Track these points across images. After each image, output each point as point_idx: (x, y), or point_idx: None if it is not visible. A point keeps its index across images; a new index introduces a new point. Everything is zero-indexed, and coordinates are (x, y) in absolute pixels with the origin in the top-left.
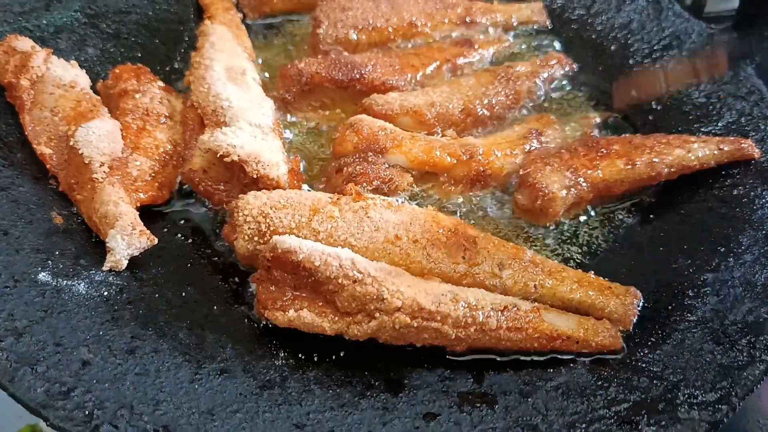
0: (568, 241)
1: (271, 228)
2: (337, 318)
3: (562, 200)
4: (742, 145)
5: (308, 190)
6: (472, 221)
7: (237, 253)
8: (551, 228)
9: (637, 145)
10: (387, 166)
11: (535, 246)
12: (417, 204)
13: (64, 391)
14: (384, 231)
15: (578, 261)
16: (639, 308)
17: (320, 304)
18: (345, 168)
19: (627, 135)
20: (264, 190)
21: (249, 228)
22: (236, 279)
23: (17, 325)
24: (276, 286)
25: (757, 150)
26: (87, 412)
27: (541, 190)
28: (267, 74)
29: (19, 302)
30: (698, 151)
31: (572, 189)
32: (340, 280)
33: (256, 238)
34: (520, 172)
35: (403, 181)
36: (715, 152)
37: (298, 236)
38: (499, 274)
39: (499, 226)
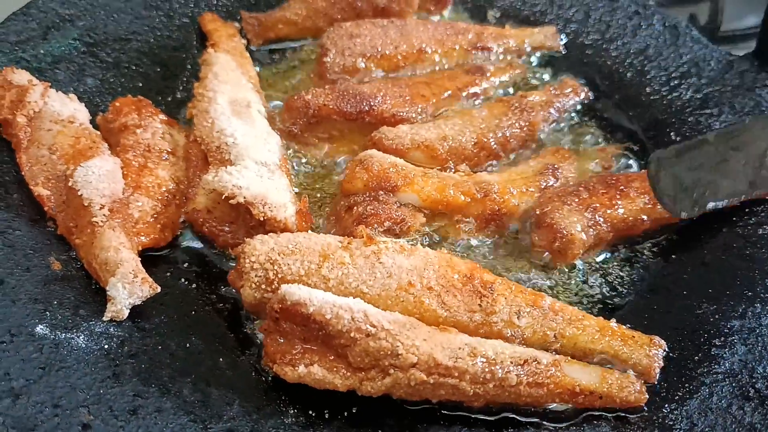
0: (587, 282)
1: (279, 275)
2: (349, 373)
3: (581, 241)
4: None
5: (317, 233)
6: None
7: (243, 301)
8: (569, 270)
9: None
10: (398, 205)
11: (553, 290)
12: (429, 245)
13: None
14: (397, 278)
15: (598, 305)
16: (663, 358)
17: (331, 358)
18: (355, 207)
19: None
20: (271, 234)
21: (256, 275)
22: (243, 327)
23: (14, 385)
24: (285, 338)
25: None
26: None
27: (560, 232)
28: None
29: (15, 359)
30: None
31: (591, 229)
32: (352, 334)
33: (263, 286)
34: (537, 212)
35: (415, 222)
36: None
37: (308, 284)
38: (517, 323)
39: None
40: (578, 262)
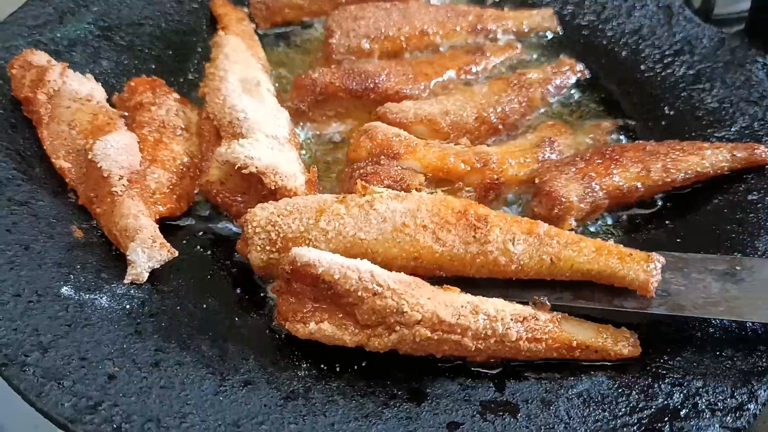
0: None
1: (281, 235)
2: (357, 330)
3: (578, 208)
4: (756, 151)
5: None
6: None
7: (252, 265)
8: None
9: (651, 151)
10: (400, 168)
11: None
12: None
13: (91, 405)
14: (391, 221)
15: None
16: (660, 274)
17: (340, 316)
18: (357, 172)
19: (641, 142)
20: (270, 201)
21: (260, 239)
22: (256, 291)
23: (42, 340)
24: (296, 298)
25: None
26: (115, 426)
27: (558, 199)
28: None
29: (43, 317)
30: (712, 157)
31: (588, 197)
32: (359, 293)
33: (268, 248)
34: (536, 181)
35: (414, 181)
36: (729, 158)
37: (308, 239)
38: (512, 251)
39: None
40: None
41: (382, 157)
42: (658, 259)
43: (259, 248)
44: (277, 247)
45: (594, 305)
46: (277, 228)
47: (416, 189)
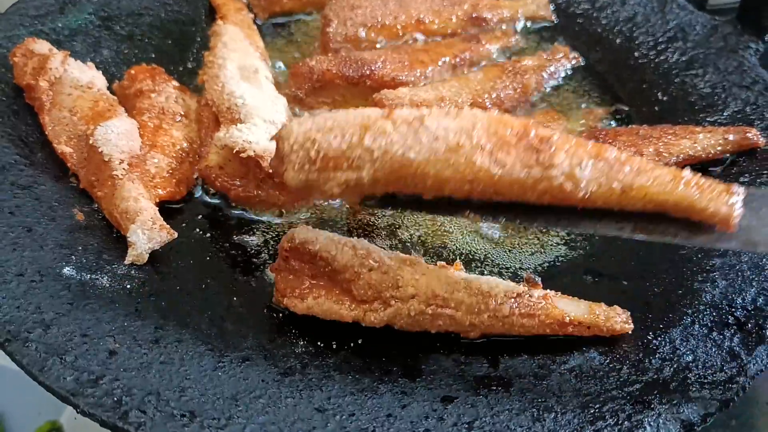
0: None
1: (321, 153)
2: (354, 305)
3: None
4: (747, 134)
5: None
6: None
7: (288, 185)
8: None
9: (643, 135)
10: None
11: (546, 233)
12: None
13: (93, 379)
14: (444, 140)
15: (586, 249)
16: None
17: (337, 292)
18: None
19: (633, 126)
20: (307, 115)
21: (297, 157)
22: (254, 271)
23: (44, 317)
24: (294, 276)
25: (762, 138)
26: (116, 399)
27: None
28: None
29: (45, 296)
30: (704, 141)
31: None
32: (356, 269)
33: (306, 166)
34: None
35: None
36: (721, 142)
37: (351, 157)
38: (579, 176)
39: None
40: None
41: None
42: (737, 192)
43: (296, 167)
44: (317, 166)
45: (665, 238)
46: (316, 145)
47: None
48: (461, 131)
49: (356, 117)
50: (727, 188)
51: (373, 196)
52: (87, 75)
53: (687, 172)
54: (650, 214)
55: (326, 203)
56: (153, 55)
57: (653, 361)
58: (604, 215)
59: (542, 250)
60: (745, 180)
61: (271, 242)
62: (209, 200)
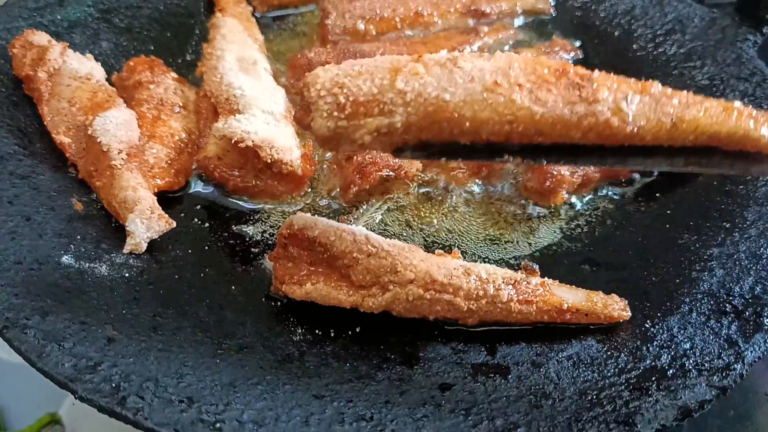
0: (576, 219)
1: (351, 98)
2: (352, 291)
3: (570, 182)
4: None
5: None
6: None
7: (316, 135)
8: (560, 208)
9: None
10: None
11: (544, 225)
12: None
13: (91, 366)
14: (480, 80)
15: (586, 240)
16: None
17: (336, 278)
18: (354, 157)
19: None
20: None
21: (325, 103)
22: (252, 261)
23: (43, 305)
24: (293, 263)
25: None
26: (114, 385)
27: (550, 172)
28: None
29: (44, 284)
30: None
31: (579, 170)
32: (354, 254)
33: (335, 113)
34: None
35: (412, 168)
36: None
37: (383, 102)
38: (626, 110)
39: (503, 207)
40: (575, 201)
41: None
42: None
43: (325, 114)
44: (347, 112)
45: (720, 170)
46: (345, 90)
47: (414, 175)
48: (498, 71)
49: (385, 61)
50: None
51: (405, 145)
52: (86, 66)
53: (738, 103)
54: (700, 148)
55: (321, 200)
56: (152, 47)
57: (651, 348)
58: (653, 151)
59: (539, 241)
60: None
61: (269, 232)
62: (203, 190)
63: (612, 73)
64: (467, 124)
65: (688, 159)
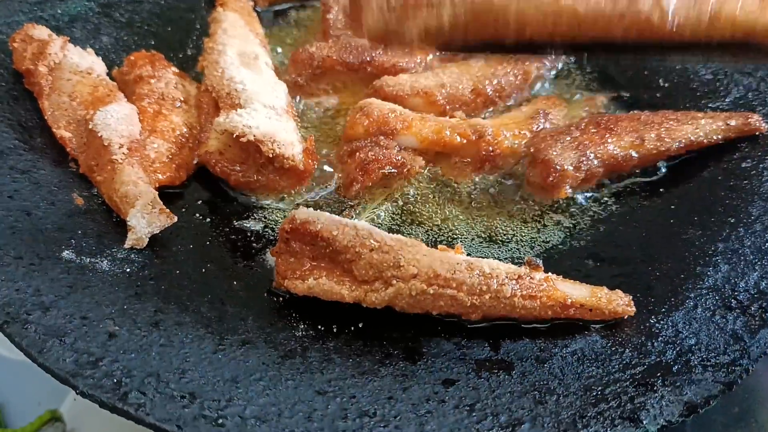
0: (580, 214)
1: None
2: (354, 286)
3: (573, 176)
4: (750, 120)
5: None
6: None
7: (367, 30)
8: (563, 203)
9: (645, 121)
10: (399, 149)
11: (548, 220)
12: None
13: (93, 361)
14: None
15: (590, 235)
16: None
17: (338, 273)
18: (357, 153)
19: (635, 112)
20: None
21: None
22: (254, 256)
23: (44, 300)
24: (295, 258)
25: (764, 124)
26: (115, 380)
27: (553, 167)
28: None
29: (44, 278)
30: (706, 126)
31: (583, 165)
32: (357, 249)
33: (386, 8)
34: (531, 150)
35: (415, 165)
36: (723, 127)
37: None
38: (665, 6)
39: (506, 202)
40: (579, 196)
41: (381, 137)
42: None
43: (376, 10)
44: (397, 9)
45: (757, 61)
46: None
47: (417, 172)
48: None
49: None
50: None
51: (451, 43)
52: (86, 60)
53: None
54: (738, 44)
55: (322, 192)
56: (153, 42)
57: (656, 344)
58: (691, 46)
59: (543, 236)
60: (747, 165)
61: (271, 227)
62: (204, 185)
63: None
64: (512, 21)
65: (726, 52)
